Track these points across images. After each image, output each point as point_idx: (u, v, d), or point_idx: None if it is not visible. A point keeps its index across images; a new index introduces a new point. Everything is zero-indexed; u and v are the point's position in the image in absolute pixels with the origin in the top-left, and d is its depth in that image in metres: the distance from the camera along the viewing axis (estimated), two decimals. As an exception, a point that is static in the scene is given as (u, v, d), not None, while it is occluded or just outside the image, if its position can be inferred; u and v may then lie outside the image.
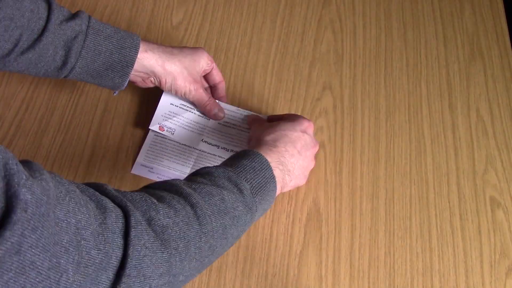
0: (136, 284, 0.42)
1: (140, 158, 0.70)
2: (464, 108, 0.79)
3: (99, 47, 0.62)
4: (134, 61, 0.64)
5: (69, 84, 0.77)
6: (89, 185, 0.46)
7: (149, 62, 0.65)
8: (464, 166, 0.74)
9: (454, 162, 0.74)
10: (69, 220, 0.38)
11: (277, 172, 0.59)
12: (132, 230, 0.43)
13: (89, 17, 0.63)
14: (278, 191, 0.59)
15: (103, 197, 0.44)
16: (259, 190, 0.56)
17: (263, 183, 0.56)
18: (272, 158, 0.59)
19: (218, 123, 0.73)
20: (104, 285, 0.41)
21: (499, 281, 0.66)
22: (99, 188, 0.46)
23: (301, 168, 0.64)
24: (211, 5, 0.87)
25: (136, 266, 0.42)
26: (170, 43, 0.82)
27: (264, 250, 0.66)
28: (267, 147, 0.60)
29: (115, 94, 0.71)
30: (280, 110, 0.77)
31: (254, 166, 0.56)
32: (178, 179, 0.53)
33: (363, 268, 0.66)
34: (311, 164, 0.67)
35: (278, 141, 0.61)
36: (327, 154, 0.74)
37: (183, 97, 0.71)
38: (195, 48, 0.70)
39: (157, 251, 0.44)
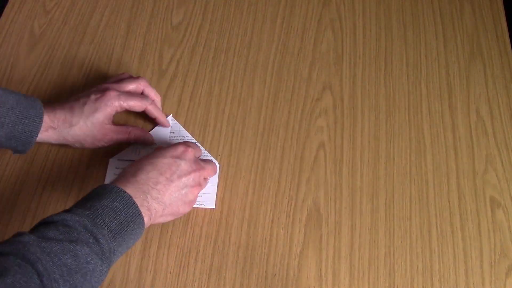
0: None
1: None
2: (464, 108, 0.79)
3: (2, 119, 0.61)
4: (38, 130, 0.64)
5: (70, 84, 0.77)
6: None
7: (51, 139, 0.67)
8: (464, 166, 0.74)
9: (454, 162, 0.74)
10: None
11: (142, 204, 0.56)
12: None
13: None
14: (147, 223, 0.57)
15: None
16: (120, 231, 0.53)
17: (125, 223, 0.54)
18: (132, 190, 0.56)
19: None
20: None
21: (499, 281, 0.66)
22: None
23: (175, 196, 0.61)
24: (211, 5, 0.87)
25: None
26: (170, 43, 0.82)
27: (264, 250, 0.66)
28: (125, 178, 0.58)
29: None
30: (280, 110, 0.77)
31: (115, 206, 0.54)
32: (28, 235, 0.49)
33: (363, 268, 0.66)
34: (193, 190, 0.63)
35: (139, 171, 0.59)
36: (327, 154, 0.74)
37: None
38: (99, 100, 0.67)
39: None
